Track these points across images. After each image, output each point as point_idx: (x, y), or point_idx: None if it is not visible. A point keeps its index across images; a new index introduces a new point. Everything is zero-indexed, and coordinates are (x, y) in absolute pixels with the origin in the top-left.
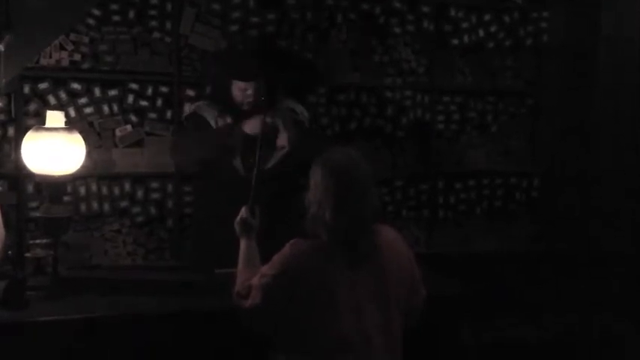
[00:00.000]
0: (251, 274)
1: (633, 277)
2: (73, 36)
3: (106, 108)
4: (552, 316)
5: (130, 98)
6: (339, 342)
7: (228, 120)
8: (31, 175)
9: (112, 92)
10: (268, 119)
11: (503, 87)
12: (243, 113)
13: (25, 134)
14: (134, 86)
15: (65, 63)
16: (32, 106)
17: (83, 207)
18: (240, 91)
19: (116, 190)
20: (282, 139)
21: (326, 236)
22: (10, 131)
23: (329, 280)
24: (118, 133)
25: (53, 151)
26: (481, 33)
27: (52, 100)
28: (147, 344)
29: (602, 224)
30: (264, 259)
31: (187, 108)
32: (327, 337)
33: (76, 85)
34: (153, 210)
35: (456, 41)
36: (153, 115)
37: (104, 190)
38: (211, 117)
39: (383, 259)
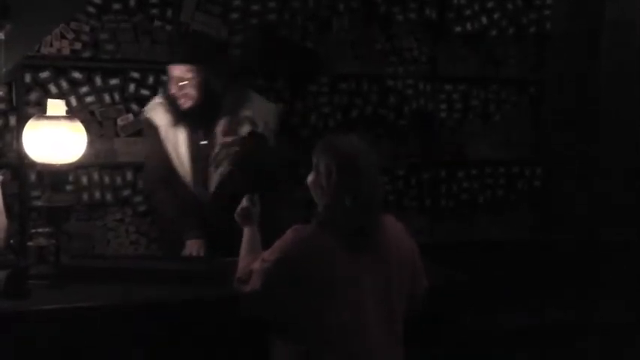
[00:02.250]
0: (252, 260)
1: (635, 267)
2: (73, 24)
3: (107, 97)
4: (554, 306)
5: (132, 87)
6: (339, 329)
7: (180, 132)
8: (33, 164)
9: (113, 81)
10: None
11: (506, 75)
12: (185, 115)
13: (26, 123)
14: (135, 75)
15: (66, 52)
16: (33, 95)
17: (85, 196)
18: (175, 82)
19: (118, 180)
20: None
21: (329, 222)
22: (12, 120)
23: (330, 266)
24: (119, 122)
25: (54, 140)
26: (484, 21)
27: (53, 89)
28: (149, 333)
29: (605, 213)
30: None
31: (153, 102)
32: (326, 324)
33: (77, 74)
34: None
35: (458, 29)
36: None
37: (106, 180)
38: (164, 125)
39: (385, 248)
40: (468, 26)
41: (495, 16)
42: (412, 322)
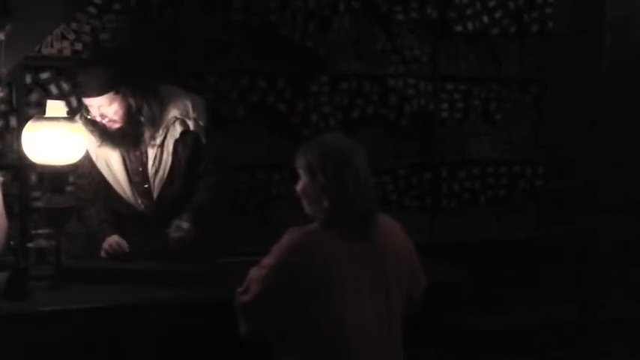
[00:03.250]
0: None
1: (635, 265)
2: (74, 25)
3: None
4: (555, 304)
5: None
6: (339, 330)
7: (109, 150)
8: (33, 166)
9: None
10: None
11: (508, 74)
12: (113, 136)
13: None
14: None
15: (67, 52)
16: (34, 96)
17: None
18: (95, 110)
19: None
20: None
21: (324, 222)
22: (13, 121)
23: (329, 267)
24: None
25: (54, 140)
26: (485, 19)
27: (53, 89)
28: (150, 334)
29: (607, 212)
30: None
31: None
32: (326, 325)
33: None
34: None
35: (459, 28)
36: None
37: None
38: (91, 146)
39: (382, 246)
40: (470, 25)
41: (497, 14)
42: (412, 321)
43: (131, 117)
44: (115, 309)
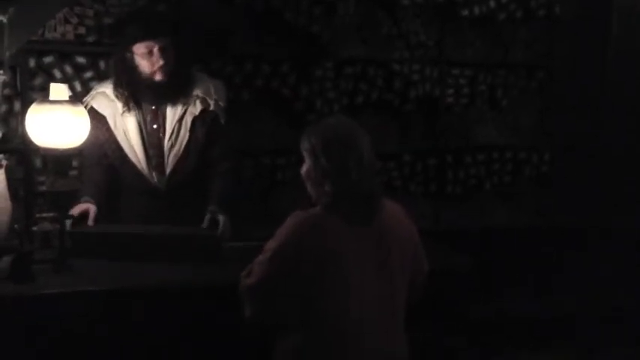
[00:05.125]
0: None
1: None
2: (77, 9)
3: None
4: (561, 291)
5: None
6: (342, 311)
7: (128, 119)
8: (38, 150)
9: None
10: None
11: (514, 60)
12: (155, 88)
13: None
14: None
15: (70, 36)
16: (38, 80)
17: None
18: (145, 57)
19: None
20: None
21: (327, 205)
22: (17, 105)
23: (331, 249)
24: None
25: (57, 124)
26: (492, 4)
27: (57, 74)
28: (154, 317)
29: (613, 199)
30: None
31: (94, 92)
32: (329, 306)
33: (81, 59)
34: None
35: (465, 12)
36: None
37: None
38: (110, 113)
39: (385, 230)
40: (476, 10)
41: None
42: (417, 306)
43: (182, 68)
44: (119, 291)
